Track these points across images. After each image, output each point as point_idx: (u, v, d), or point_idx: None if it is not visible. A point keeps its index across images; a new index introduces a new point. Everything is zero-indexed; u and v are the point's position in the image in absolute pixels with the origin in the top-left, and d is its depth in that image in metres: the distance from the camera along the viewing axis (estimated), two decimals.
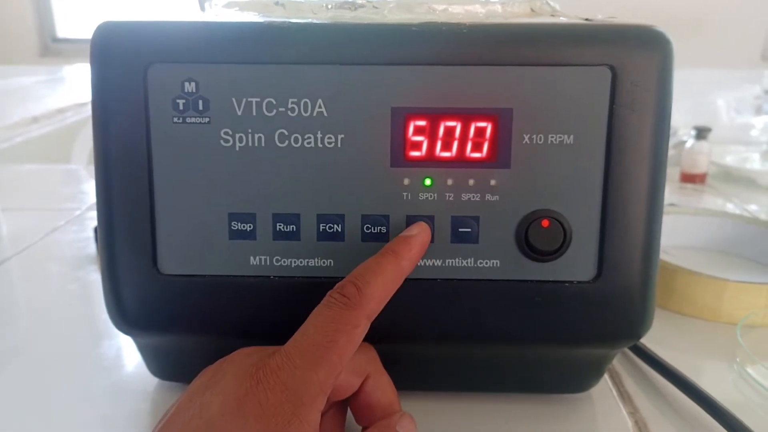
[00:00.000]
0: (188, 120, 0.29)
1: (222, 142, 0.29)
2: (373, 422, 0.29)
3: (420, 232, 0.29)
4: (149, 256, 0.30)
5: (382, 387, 0.29)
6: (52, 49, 2.81)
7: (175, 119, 0.29)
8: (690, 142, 0.81)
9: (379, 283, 0.27)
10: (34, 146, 1.07)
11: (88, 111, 1.24)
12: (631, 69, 0.28)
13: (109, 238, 0.30)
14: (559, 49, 0.28)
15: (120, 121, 0.29)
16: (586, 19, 0.32)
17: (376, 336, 0.31)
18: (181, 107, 0.29)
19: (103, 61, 0.29)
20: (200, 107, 0.29)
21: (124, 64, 0.29)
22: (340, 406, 0.30)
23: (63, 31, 2.83)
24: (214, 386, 0.25)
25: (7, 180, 0.84)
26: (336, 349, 0.25)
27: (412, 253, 0.28)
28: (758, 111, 1.12)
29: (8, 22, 2.74)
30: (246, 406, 0.24)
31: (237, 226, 0.30)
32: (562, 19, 0.32)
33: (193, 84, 0.29)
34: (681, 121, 0.95)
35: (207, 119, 0.29)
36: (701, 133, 0.80)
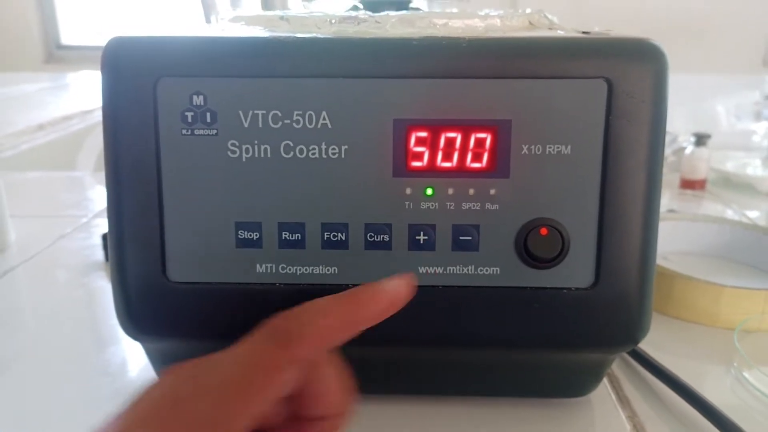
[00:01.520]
0: (196, 132, 0.30)
1: (229, 153, 0.30)
2: (313, 416, 0.26)
3: (396, 287, 0.26)
4: (158, 263, 0.31)
5: (327, 380, 0.26)
6: (56, 56, 2.82)
7: (184, 131, 0.30)
8: (689, 149, 0.82)
9: (323, 328, 0.24)
10: (40, 153, 1.08)
11: (93, 118, 1.26)
12: (626, 81, 0.29)
13: (120, 246, 0.31)
14: (556, 62, 0.29)
15: (130, 133, 0.30)
16: (584, 32, 0.32)
17: (377, 341, 0.32)
18: (189, 119, 0.30)
19: (114, 74, 0.30)
20: (208, 119, 0.30)
21: (134, 78, 0.30)
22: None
23: (67, 38, 2.84)
24: (134, 400, 0.23)
25: (13, 187, 0.85)
26: (250, 391, 0.22)
27: (376, 306, 0.25)
28: (758, 117, 1.12)
29: (13, 28, 2.76)
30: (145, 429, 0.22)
31: (243, 234, 0.31)
32: (560, 33, 0.32)
33: (201, 97, 0.30)
34: (681, 127, 0.96)
35: (214, 131, 0.30)
36: (701, 139, 0.81)
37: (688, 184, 0.82)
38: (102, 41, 0.31)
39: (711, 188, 0.83)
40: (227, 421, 0.22)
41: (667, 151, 0.88)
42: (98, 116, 0.32)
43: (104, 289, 0.53)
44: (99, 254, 0.60)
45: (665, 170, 0.31)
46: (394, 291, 0.26)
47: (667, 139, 0.38)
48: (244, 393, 0.22)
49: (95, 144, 1.17)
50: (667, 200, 0.78)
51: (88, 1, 2.75)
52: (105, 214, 0.32)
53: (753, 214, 0.74)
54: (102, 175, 0.31)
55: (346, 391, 0.27)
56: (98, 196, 0.81)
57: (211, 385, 0.22)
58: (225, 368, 0.23)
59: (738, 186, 0.84)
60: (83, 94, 1.59)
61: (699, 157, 0.81)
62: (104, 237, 0.60)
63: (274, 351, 0.23)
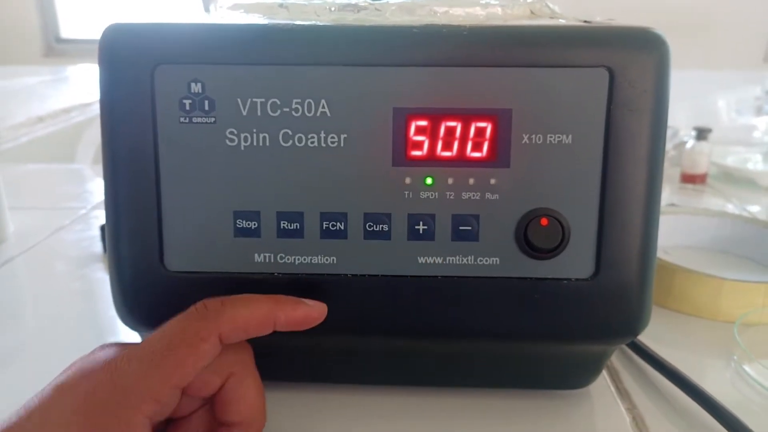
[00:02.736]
0: (194, 120, 0.30)
1: (227, 141, 0.30)
2: (225, 421, 0.29)
3: (313, 309, 0.29)
4: (156, 253, 0.31)
5: (243, 389, 0.28)
6: (56, 49, 2.82)
7: (182, 119, 0.30)
8: (690, 143, 0.82)
9: (246, 314, 0.27)
10: (39, 146, 1.08)
11: (92, 111, 1.25)
12: (628, 70, 0.29)
13: (117, 235, 0.31)
14: (557, 51, 0.29)
15: (128, 121, 0.30)
16: (585, 22, 0.32)
17: (377, 331, 0.32)
18: (187, 107, 0.30)
19: (111, 62, 0.30)
20: (206, 107, 0.30)
21: (131, 66, 0.29)
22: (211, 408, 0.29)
23: (67, 31, 2.83)
24: (63, 372, 0.26)
25: (12, 179, 0.84)
26: (173, 359, 0.25)
27: (293, 314, 0.28)
28: (759, 112, 1.12)
29: (12, 22, 2.76)
30: (73, 397, 0.24)
31: (242, 223, 0.30)
32: (561, 21, 0.32)
33: (199, 85, 0.29)
34: (682, 121, 0.96)
35: (213, 119, 0.30)
36: (701, 133, 0.81)
37: (689, 179, 0.81)
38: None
39: (712, 183, 0.82)
40: (154, 385, 0.25)
41: (668, 145, 0.88)
42: (97, 109, 0.32)
43: (102, 280, 0.53)
44: (97, 246, 0.60)
45: (666, 164, 0.31)
46: (313, 310, 0.29)
47: (668, 133, 0.38)
48: (169, 360, 0.25)
49: (94, 136, 1.17)
50: (667, 194, 0.78)
51: None
52: (103, 205, 0.31)
53: (754, 209, 0.74)
54: (101, 168, 0.31)
55: (259, 403, 0.29)
56: (97, 188, 0.80)
57: (141, 355, 0.25)
58: (153, 341, 0.26)
59: (739, 180, 0.83)
60: (82, 87, 1.59)
61: (700, 152, 0.81)
62: (103, 228, 0.59)
63: (200, 323, 0.26)
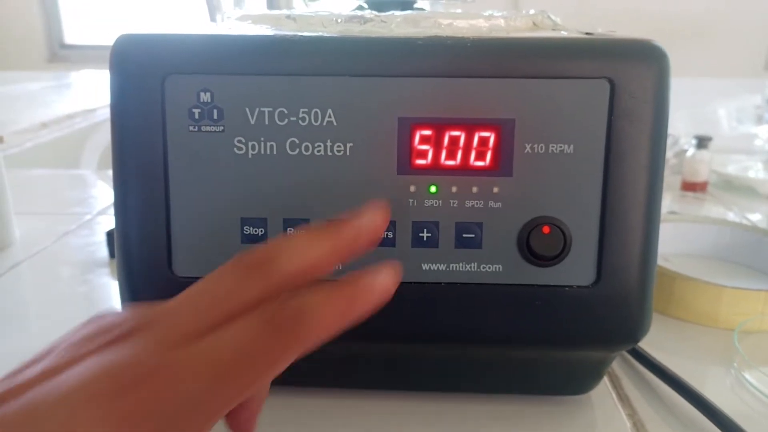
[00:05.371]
0: (203, 128, 0.30)
1: (235, 149, 0.30)
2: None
3: (386, 278, 0.24)
4: (164, 258, 0.31)
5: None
6: (60, 55, 2.84)
7: (191, 128, 0.30)
8: (691, 151, 0.82)
9: (325, 318, 0.22)
10: (44, 151, 1.08)
11: (96, 117, 1.26)
12: (628, 82, 0.29)
13: (126, 241, 0.31)
14: (559, 62, 0.30)
15: (138, 130, 0.30)
16: (587, 33, 0.33)
17: (379, 337, 0.32)
18: (196, 116, 0.30)
19: (122, 71, 0.30)
20: (215, 116, 0.30)
21: (142, 75, 0.30)
22: None
23: (71, 37, 2.85)
24: (77, 368, 0.20)
25: (18, 185, 0.85)
26: (245, 380, 0.20)
27: (371, 298, 0.24)
28: (759, 120, 1.13)
29: (17, 28, 2.77)
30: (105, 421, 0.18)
31: (249, 230, 0.31)
32: (563, 33, 0.33)
33: (208, 94, 0.30)
34: (682, 129, 0.96)
35: (221, 128, 0.30)
36: (702, 142, 0.81)
37: (689, 187, 0.82)
38: (106, 41, 0.31)
39: (712, 191, 0.83)
40: (216, 406, 0.20)
41: (669, 153, 0.88)
42: (101, 115, 0.32)
43: (107, 285, 0.53)
44: (102, 251, 0.60)
45: (667, 172, 0.31)
46: (385, 283, 0.24)
47: (669, 141, 0.38)
48: (240, 380, 0.20)
49: (99, 142, 1.17)
50: (668, 202, 0.78)
51: (91, 1, 2.76)
52: (108, 211, 0.32)
53: (754, 217, 0.75)
54: (105, 173, 0.32)
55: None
56: (101, 193, 0.81)
57: (206, 362, 0.20)
58: (225, 348, 0.20)
59: (739, 189, 0.84)
60: (86, 92, 1.59)
61: (700, 160, 0.81)
62: (108, 234, 0.60)
63: (279, 339, 0.21)
